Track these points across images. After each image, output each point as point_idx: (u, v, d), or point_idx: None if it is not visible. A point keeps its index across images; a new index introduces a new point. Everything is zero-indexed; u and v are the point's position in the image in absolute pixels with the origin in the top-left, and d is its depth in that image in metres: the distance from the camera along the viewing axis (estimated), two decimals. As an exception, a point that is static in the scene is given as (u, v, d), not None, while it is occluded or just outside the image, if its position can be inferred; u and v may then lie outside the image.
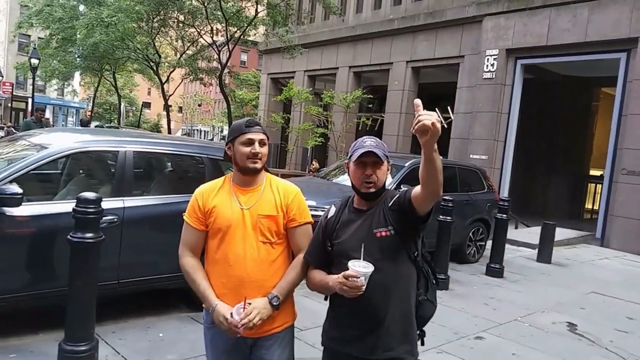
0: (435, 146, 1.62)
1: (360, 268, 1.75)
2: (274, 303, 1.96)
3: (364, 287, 1.76)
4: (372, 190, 1.92)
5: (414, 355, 1.90)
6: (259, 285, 1.98)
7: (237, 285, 1.98)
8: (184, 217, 2.09)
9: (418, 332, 2.00)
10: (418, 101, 1.60)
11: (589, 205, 15.33)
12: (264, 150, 2.04)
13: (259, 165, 2.02)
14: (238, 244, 1.99)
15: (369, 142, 1.92)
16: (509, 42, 12.19)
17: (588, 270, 8.08)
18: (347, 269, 1.76)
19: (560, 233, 9.73)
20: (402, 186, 6.01)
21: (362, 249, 1.80)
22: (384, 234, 1.86)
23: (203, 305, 2.08)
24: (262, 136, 2.03)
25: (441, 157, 1.71)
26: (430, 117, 1.54)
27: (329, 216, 2.03)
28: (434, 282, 2.02)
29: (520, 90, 12.43)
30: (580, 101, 14.78)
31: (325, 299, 2.02)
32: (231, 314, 1.90)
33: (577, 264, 8.48)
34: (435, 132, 1.55)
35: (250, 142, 2.00)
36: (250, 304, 1.91)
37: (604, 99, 15.22)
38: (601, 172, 12.53)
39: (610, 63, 11.03)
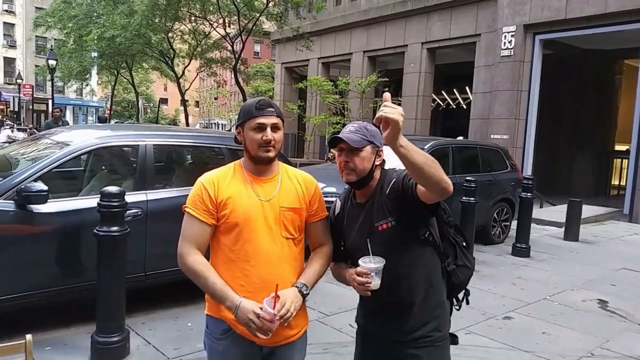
0: (402, 141, 1.49)
1: (370, 264, 1.73)
2: (304, 292, 1.78)
3: (379, 283, 1.74)
4: (353, 178, 1.82)
5: (440, 330, 1.88)
6: (284, 287, 1.76)
7: (258, 287, 1.76)
8: (187, 210, 1.79)
9: (463, 292, 1.99)
10: (387, 95, 1.53)
11: (615, 181, 14.98)
12: (278, 135, 1.77)
13: (272, 154, 1.78)
14: (261, 240, 1.77)
15: (348, 128, 1.84)
16: (527, 18, 11.89)
17: (617, 247, 7.93)
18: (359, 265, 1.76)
19: (587, 210, 9.56)
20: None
21: (369, 245, 1.77)
22: (384, 226, 1.80)
23: (207, 312, 1.89)
24: (274, 120, 1.76)
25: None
26: (392, 111, 1.46)
27: (336, 213, 1.99)
28: (464, 245, 1.96)
29: (540, 66, 12.14)
30: (603, 75, 14.38)
31: None
32: (260, 308, 1.68)
33: (606, 241, 8.32)
34: (395, 126, 1.46)
35: (262, 128, 1.74)
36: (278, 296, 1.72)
37: (628, 72, 14.77)
38: (627, 147, 12.21)
39: (632, 34, 10.69)
